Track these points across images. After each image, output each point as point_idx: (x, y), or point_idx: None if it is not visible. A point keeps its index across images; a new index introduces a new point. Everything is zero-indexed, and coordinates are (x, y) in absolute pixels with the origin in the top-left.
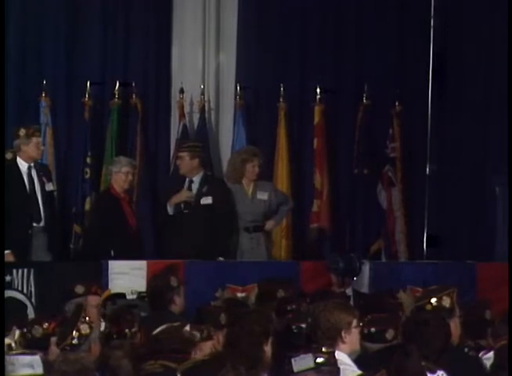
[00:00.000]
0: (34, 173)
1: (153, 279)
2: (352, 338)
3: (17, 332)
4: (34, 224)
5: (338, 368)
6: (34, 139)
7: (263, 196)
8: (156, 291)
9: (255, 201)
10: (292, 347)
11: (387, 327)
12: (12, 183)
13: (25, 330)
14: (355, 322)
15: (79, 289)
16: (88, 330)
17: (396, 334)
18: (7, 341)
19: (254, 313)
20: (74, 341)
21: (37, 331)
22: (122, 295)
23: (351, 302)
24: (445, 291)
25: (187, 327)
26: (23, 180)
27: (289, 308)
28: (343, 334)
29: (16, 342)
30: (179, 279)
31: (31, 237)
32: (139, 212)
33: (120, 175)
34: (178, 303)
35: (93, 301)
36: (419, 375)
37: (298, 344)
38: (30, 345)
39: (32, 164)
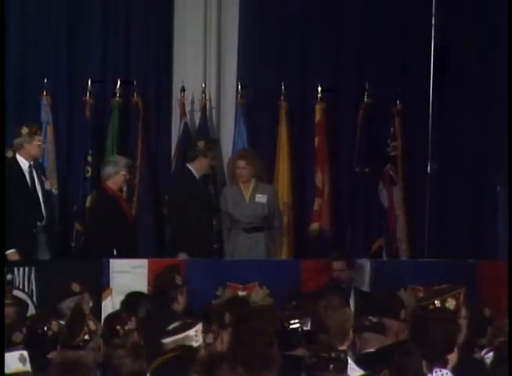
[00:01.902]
0: (34, 171)
1: (158, 276)
2: (353, 335)
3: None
4: (38, 223)
5: (346, 365)
6: (37, 138)
7: (262, 199)
8: (161, 289)
9: (252, 204)
10: (289, 345)
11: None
12: (13, 182)
13: (46, 327)
14: (352, 319)
15: (75, 287)
16: (95, 327)
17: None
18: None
19: (265, 312)
20: (86, 337)
21: (55, 326)
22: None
23: (352, 301)
24: (452, 291)
25: (199, 326)
26: (25, 178)
27: (289, 306)
28: (350, 331)
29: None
30: (183, 278)
31: (36, 236)
32: (140, 211)
33: (120, 176)
34: (180, 302)
35: (88, 299)
36: (419, 374)
37: (295, 342)
38: (53, 340)
39: (32, 163)
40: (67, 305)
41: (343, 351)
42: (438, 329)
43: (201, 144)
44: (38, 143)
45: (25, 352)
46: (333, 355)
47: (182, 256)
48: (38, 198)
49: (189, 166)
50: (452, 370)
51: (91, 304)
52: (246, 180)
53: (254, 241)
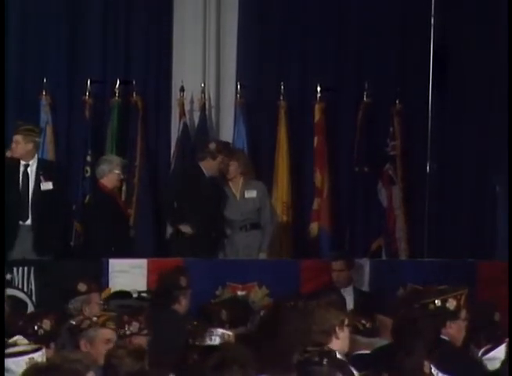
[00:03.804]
0: (30, 171)
1: (163, 275)
2: (344, 335)
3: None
4: (20, 222)
5: (346, 363)
6: (14, 137)
7: (251, 194)
8: (164, 288)
9: (243, 201)
10: None
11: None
12: (7, 181)
13: (36, 326)
14: (347, 320)
15: (81, 287)
16: (85, 326)
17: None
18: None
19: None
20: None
21: (47, 325)
22: (127, 294)
23: (352, 301)
24: (454, 292)
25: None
26: (18, 178)
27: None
28: (337, 330)
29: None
30: (188, 281)
31: (16, 235)
32: (139, 210)
33: (114, 174)
34: (182, 304)
35: (96, 298)
36: (418, 373)
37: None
38: (43, 339)
39: (30, 162)
40: (73, 305)
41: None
42: (421, 327)
43: (212, 146)
44: (15, 143)
45: (36, 355)
46: (325, 348)
47: (185, 227)
48: (27, 198)
49: (201, 165)
50: (452, 373)
51: (100, 302)
52: (234, 177)
53: (251, 239)
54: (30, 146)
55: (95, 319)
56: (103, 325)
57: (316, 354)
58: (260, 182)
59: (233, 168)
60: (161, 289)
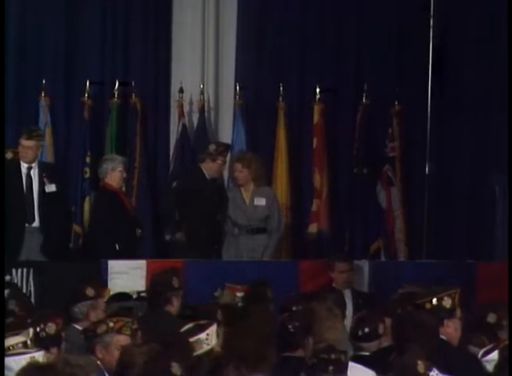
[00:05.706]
0: (33, 173)
1: (155, 276)
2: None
3: (31, 330)
4: (27, 224)
5: (346, 366)
6: (26, 142)
7: (260, 202)
8: (156, 289)
9: (251, 207)
10: (289, 346)
11: (377, 322)
12: (10, 183)
13: (38, 329)
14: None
15: (90, 292)
16: (102, 331)
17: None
18: (21, 338)
19: (258, 312)
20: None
21: (52, 329)
22: (127, 296)
23: (351, 302)
24: (448, 291)
25: (212, 328)
26: (22, 180)
27: (294, 308)
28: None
29: (31, 340)
30: (180, 282)
31: (23, 237)
32: (139, 212)
33: (117, 172)
34: (175, 305)
35: (102, 304)
36: (411, 372)
37: (296, 342)
38: (43, 342)
39: (33, 165)
40: (80, 309)
41: (344, 352)
42: (423, 329)
43: (212, 147)
44: (22, 147)
45: (37, 354)
46: (332, 356)
47: (180, 235)
48: (32, 200)
49: (201, 166)
50: (450, 371)
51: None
52: (244, 183)
53: (257, 243)
54: (39, 150)
55: (111, 324)
56: (119, 331)
57: (323, 361)
58: (271, 189)
59: (244, 174)
60: (153, 290)
